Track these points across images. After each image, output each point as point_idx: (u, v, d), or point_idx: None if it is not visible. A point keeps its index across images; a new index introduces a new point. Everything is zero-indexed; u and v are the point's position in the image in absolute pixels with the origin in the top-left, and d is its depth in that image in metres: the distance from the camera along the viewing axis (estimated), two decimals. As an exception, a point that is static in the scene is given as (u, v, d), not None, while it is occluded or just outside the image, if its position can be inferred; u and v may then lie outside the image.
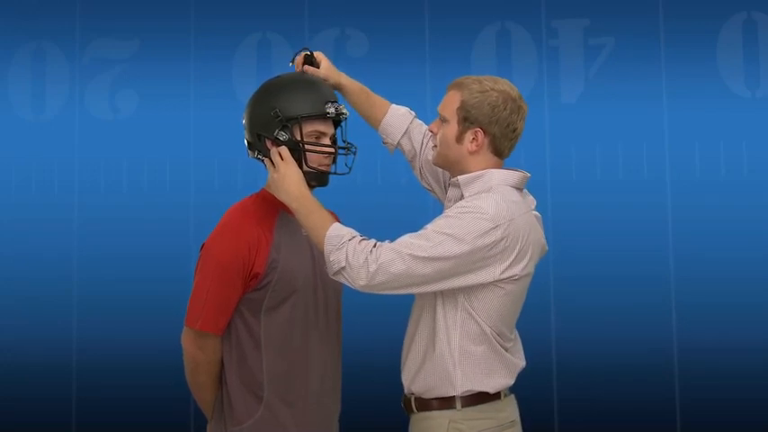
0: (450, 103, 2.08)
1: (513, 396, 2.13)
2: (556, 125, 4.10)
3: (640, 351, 3.95)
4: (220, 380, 2.16)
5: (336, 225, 2.01)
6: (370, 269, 1.94)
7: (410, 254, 1.93)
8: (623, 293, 3.98)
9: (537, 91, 4.11)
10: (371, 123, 2.37)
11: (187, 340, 2.11)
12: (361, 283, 1.96)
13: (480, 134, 2.04)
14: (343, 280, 1.99)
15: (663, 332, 3.98)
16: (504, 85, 2.06)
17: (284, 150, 2.09)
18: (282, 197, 2.09)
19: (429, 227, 1.98)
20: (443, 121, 2.10)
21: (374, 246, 1.97)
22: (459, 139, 2.07)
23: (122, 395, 4.09)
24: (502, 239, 1.95)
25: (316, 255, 2.16)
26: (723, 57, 4.06)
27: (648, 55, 4.09)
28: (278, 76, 2.20)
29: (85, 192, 4.24)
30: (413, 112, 2.36)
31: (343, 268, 1.97)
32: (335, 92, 2.26)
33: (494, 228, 1.94)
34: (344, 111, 2.16)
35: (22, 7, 4.32)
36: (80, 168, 4.25)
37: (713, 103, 4.04)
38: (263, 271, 2.07)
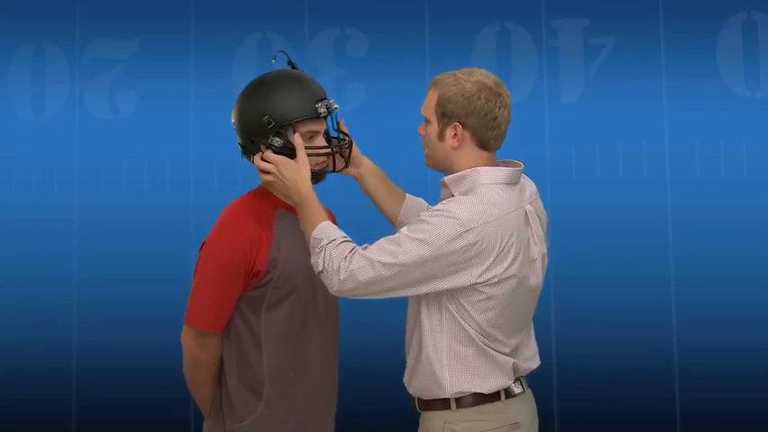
0: (430, 103, 2.07)
1: (523, 397, 2.08)
2: (556, 125, 4.09)
3: (640, 351, 3.95)
4: (219, 377, 2.16)
5: (322, 226, 2.01)
6: (341, 276, 1.94)
7: (380, 261, 1.93)
8: (623, 293, 3.97)
9: (537, 91, 4.11)
10: (387, 211, 2.33)
11: (187, 339, 2.11)
12: (334, 288, 1.97)
13: (459, 128, 2.02)
14: (324, 282, 2.00)
15: (663, 332, 3.98)
16: (479, 75, 2.04)
17: (269, 154, 2.09)
18: (284, 189, 2.09)
19: (404, 230, 1.97)
20: (427, 122, 2.09)
21: (351, 251, 1.96)
22: (441, 136, 2.05)
23: (122, 395, 4.08)
24: (475, 243, 1.92)
25: None
26: (723, 57, 4.06)
27: (648, 55, 4.08)
28: (262, 76, 2.16)
29: (85, 192, 4.24)
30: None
31: (321, 272, 1.99)
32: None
33: (465, 232, 1.91)
34: (335, 105, 2.15)
35: (22, 7, 4.32)
36: (80, 168, 4.25)
37: (713, 103, 4.04)
38: (264, 269, 2.08)
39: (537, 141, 4.05)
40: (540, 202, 2.17)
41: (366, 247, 1.98)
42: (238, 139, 2.18)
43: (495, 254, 1.94)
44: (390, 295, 1.98)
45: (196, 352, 2.11)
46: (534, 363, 2.13)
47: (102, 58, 4.29)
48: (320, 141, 2.14)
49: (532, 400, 2.13)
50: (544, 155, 4.06)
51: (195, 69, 4.24)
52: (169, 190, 4.21)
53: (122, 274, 4.14)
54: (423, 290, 1.96)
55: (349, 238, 2.01)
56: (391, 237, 1.97)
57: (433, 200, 2.36)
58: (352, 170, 2.28)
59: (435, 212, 1.96)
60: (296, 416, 2.14)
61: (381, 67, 4.07)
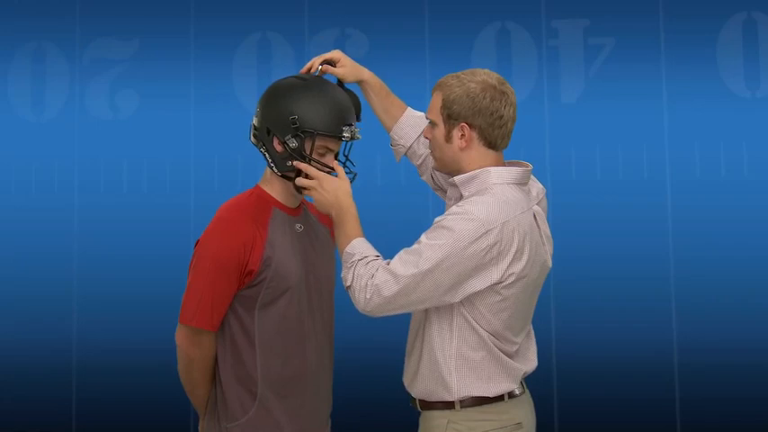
0: (435, 105, 2.08)
1: (524, 397, 2.10)
2: (556, 125, 4.09)
3: (640, 351, 3.95)
4: (214, 376, 2.16)
5: (356, 243, 2.02)
6: (367, 295, 1.95)
7: (403, 274, 1.92)
8: (623, 294, 3.98)
9: (537, 91, 4.11)
10: (385, 123, 2.35)
11: (181, 337, 2.12)
12: (360, 306, 1.98)
13: (466, 128, 2.03)
14: (351, 298, 2.01)
15: (663, 332, 3.98)
16: (483, 75, 2.04)
17: (311, 170, 2.09)
18: (325, 204, 2.08)
19: (423, 239, 1.96)
20: (433, 125, 2.09)
21: (377, 269, 1.96)
22: (448, 138, 2.06)
23: (122, 395, 4.09)
24: (495, 243, 1.93)
25: (308, 251, 2.17)
26: (723, 57, 4.06)
27: (648, 55, 4.09)
28: (305, 79, 2.17)
29: (85, 192, 4.24)
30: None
31: (349, 287, 2.00)
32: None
33: (486, 232, 1.92)
34: (358, 136, 2.15)
35: (22, 7, 4.32)
36: (80, 168, 4.25)
37: (713, 103, 4.04)
38: (257, 268, 2.08)
39: (537, 141, 4.05)
40: (545, 202, 2.17)
41: (388, 262, 1.97)
42: (254, 121, 2.18)
43: (512, 253, 1.95)
44: (417, 308, 1.98)
45: (190, 350, 2.11)
46: (534, 364, 2.15)
47: (102, 58, 4.29)
48: (329, 160, 2.14)
49: (531, 400, 2.15)
50: (544, 155, 4.06)
51: (195, 69, 4.25)
52: (169, 190, 4.21)
53: (122, 275, 4.14)
54: (447, 298, 1.95)
55: (380, 256, 2.01)
56: (410, 248, 1.97)
57: (435, 203, 2.36)
58: (350, 78, 2.28)
59: (453, 216, 1.96)
60: (290, 415, 2.14)
61: (381, 67, 4.06)
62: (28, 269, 4.20)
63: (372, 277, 1.95)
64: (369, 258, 1.99)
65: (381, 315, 1.98)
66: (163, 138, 4.21)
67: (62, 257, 4.20)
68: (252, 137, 2.18)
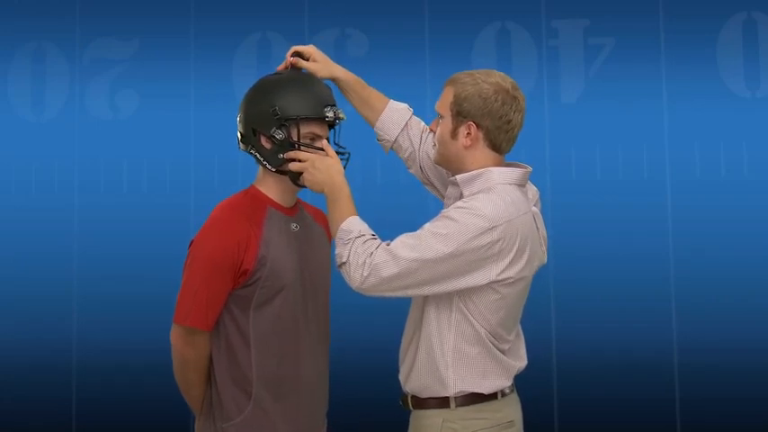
0: (445, 100, 2.07)
1: (514, 396, 2.11)
2: (556, 125, 4.09)
3: (640, 351, 3.95)
4: (209, 376, 2.16)
5: (352, 219, 2.00)
6: (364, 272, 1.93)
7: (403, 256, 1.92)
8: (623, 294, 3.98)
9: (537, 91, 4.11)
10: (367, 118, 2.32)
11: (176, 337, 2.11)
12: (355, 284, 1.96)
13: (473, 128, 2.03)
14: (343, 276, 1.99)
15: (663, 332, 3.98)
16: (497, 77, 2.04)
17: (300, 153, 2.10)
18: (318, 182, 2.07)
19: (426, 226, 1.96)
20: (440, 118, 2.09)
21: (377, 247, 1.95)
22: (454, 134, 2.05)
23: (122, 395, 4.09)
24: (498, 240, 1.93)
25: (303, 250, 2.17)
26: (723, 57, 4.06)
27: (648, 55, 4.09)
28: (277, 74, 2.20)
29: (85, 192, 4.24)
30: (411, 109, 2.33)
31: (344, 264, 1.97)
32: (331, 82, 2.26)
33: (490, 228, 1.92)
34: (342, 115, 2.16)
35: (22, 7, 4.32)
36: (80, 168, 4.25)
37: (713, 103, 4.04)
38: (252, 267, 2.08)
39: (537, 141, 4.05)
40: (540, 205, 2.17)
41: (389, 243, 1.97)
42: (239, 128, 2.18)
43: (513, 253, 1.96)
44: (411, 293, 1.97)
45: (185, 350, 2.11)
46: (525, 361, 2.16)
47: (102, 58, 4.29)
48: (320, 144, 2.14)
49: (519, 399, 2.15)
50: (544, 155, 4.06)
51: (195, 69, 4.25)
52: (169, 190, 4.21)
53: (122, 275, 4.14)
54: (443, 288, 1.95)
55: (377, 236, 2.00)
56: (413, 233, 1.97)
57: (435, 204, 2.36)
58: (322, 73, 2.24)
59: (459, 209, 1.96)
60: (286, 414, 2.14)
61: (381, 67, 4.07)
62: (28, 269, 4.20)
63: (371, 255, 1.93)
64: (366, 237, 1.97)
65: (374, 295, 1.97)
66: (163, 138, 4.21)
67: (62, 257, 4.20)
68: (240, 144, 2.19)
